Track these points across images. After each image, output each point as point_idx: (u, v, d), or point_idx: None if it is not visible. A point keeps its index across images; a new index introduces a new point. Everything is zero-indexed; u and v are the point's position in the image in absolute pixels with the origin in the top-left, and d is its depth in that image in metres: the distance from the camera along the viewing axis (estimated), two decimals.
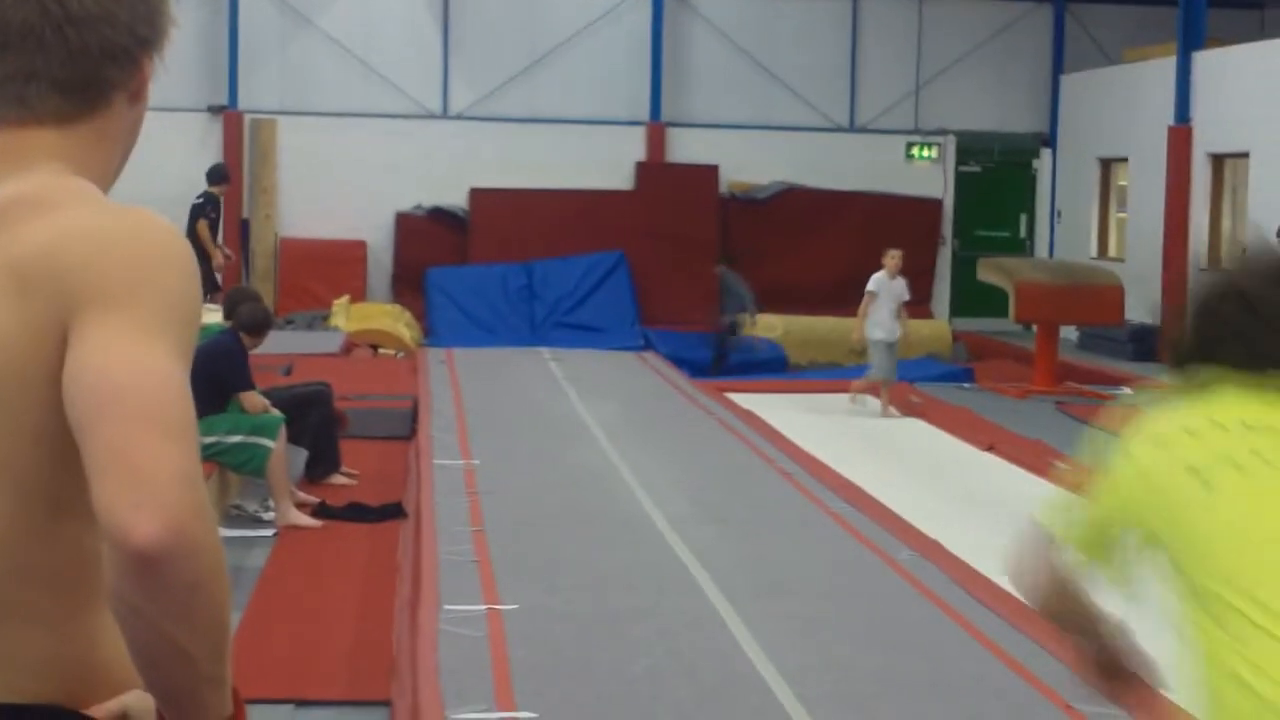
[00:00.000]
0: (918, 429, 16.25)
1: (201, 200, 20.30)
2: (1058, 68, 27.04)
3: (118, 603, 2.02)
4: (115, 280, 2.10)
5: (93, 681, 2.22)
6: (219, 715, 2.14)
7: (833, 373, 20.58)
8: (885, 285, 17.16)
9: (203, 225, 19.86)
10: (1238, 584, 2.64)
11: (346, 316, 21.84)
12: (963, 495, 12.81)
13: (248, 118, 25.09)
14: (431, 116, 25.78)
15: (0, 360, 2.12)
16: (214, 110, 24.82)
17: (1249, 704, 2.59)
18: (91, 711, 2.22)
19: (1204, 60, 22.69)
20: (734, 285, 22.08)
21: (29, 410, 2.13)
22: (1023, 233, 27.24)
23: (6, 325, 2.12)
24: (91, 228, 2.15)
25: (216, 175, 20.79)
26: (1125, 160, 25.13)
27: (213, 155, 23.47)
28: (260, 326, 11.54)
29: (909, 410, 17.08)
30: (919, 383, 18.95)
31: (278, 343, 16.14)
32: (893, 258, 17.33)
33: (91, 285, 2.09)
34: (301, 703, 7.48)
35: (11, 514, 2.15)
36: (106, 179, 2.34)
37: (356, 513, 11.29)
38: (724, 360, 20.83)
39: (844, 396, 17.71)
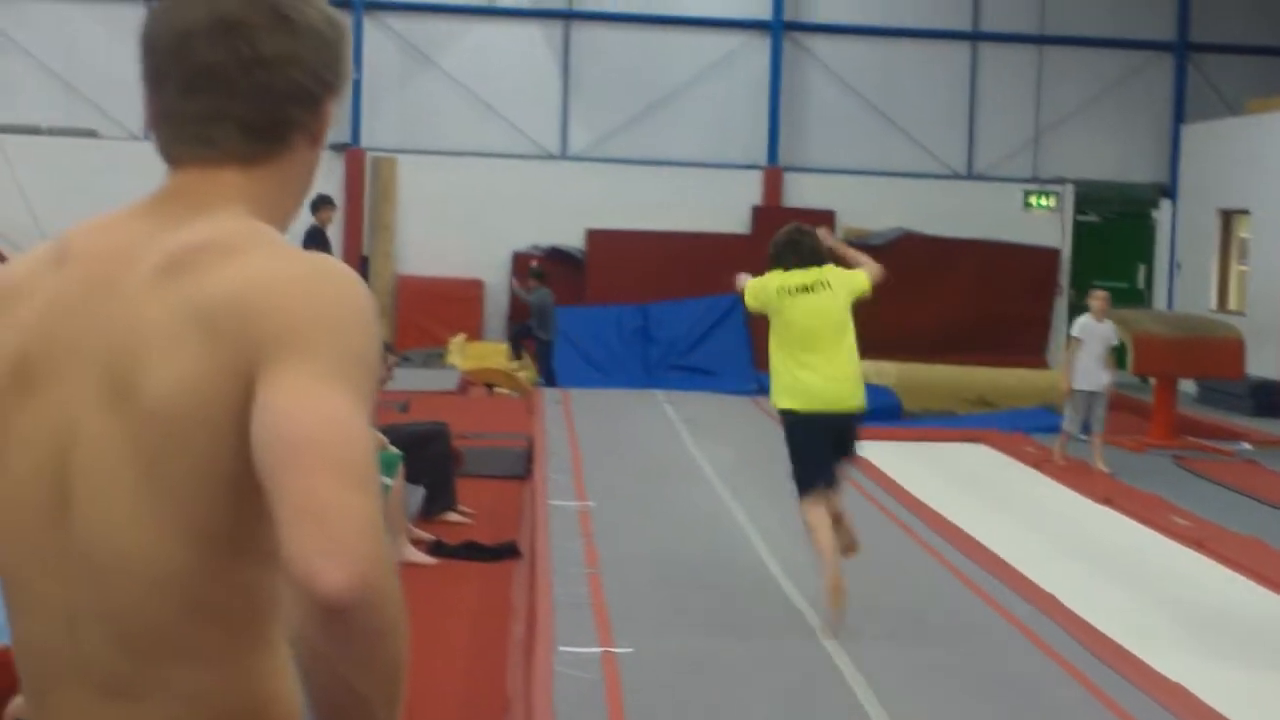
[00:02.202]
0: (1033, 480, 16.11)
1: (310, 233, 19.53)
2: (1179, 117, 26.83)
3: (301, 647, 2.04)
4: (301, 327, 2.12)
5: None
6: None
7: (947, 421, 20.47)
8: (1091, 330, 16.27)
9: None
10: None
11: (462, 355, 21.99)
12: (1079, 549, 12.69)
13: (369, 155, 25.35)
14: (550, 157, 25.95)
15: (186, 404, 2.15)
16: (336, 148, 25.07)
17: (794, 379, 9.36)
18: None
19: None
20: (548, 303, 22.37)
21: (213, 453, 2.16)
22: (1141, 284, 27.00)
23: (193, 370, 2.15)
24: (277, 274, 2.18)
25: (318, 202, 19.52)
26: (1247, 212, 24.87)
27: (334, 192, 23.68)
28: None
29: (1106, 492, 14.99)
30: (1034, 434, 18.80)
31: (394, 380, 16.22)
32: (1099, 299, 16.42)
33: (278, 332, 2.12)
34: None
35: (190, 553, 2.19)
36: (285, 220, 2.38)
37: (472, 551, 11.34)
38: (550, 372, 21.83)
39: (959, 446, 17.57)
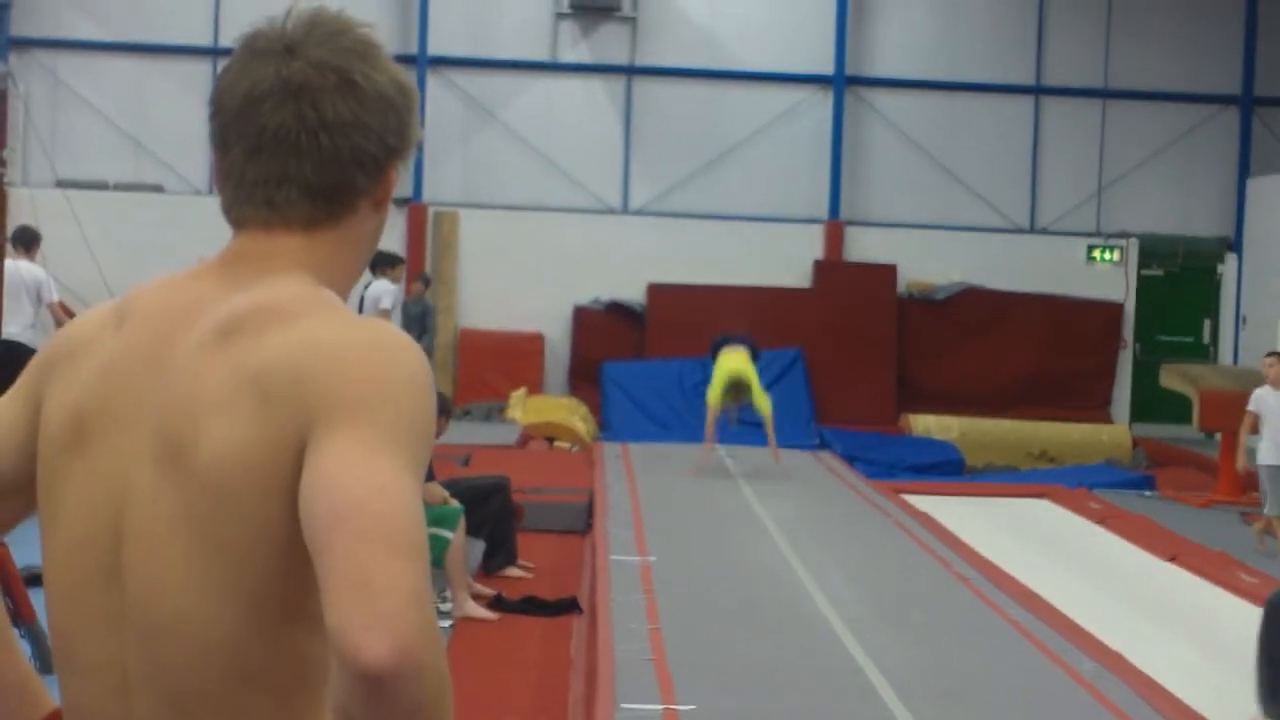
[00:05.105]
0: (1097, 536, 15.98)
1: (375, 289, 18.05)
2: (1244, 171, 26.65)
3: (342, 717, 2.01)
4: (354, 394, 2.11)
5: None
6: None
7: (1010, 476, 20.34)
8: (1269, 402, 14.77)
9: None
10: None
11: (523, 408, 21.99)
12: (1144, 606, 12.56)
13: (431, 210, 25.45)
14: (611, 211, 25.98)
15: (239, 469, 2.14)
16: (399, 202, 25.16)
17: None
18: None
19: None
20: (431, 314, 22.03)
21: (265, 519, 2.15)
22: (1206, 338, 26.79)
23: (246, 434, 2.15)
24: (333, 341, 2.18)
25: (388, 260, 18.29)
26: None
27: (396, 246, 23.79)
28: (439, 412, 11.63)
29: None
30: (1098, 489, 18.66)
31: (456, 433, 16.22)
32: (1273, 366, 14.74)
33: (331, 398, 2.11)
34: None
35: (241, 618, 2.17)
36: (346, 286, 2.37)
37: (532, 606, 11.30)
38: None
39: (1022, 501, 17.42)
